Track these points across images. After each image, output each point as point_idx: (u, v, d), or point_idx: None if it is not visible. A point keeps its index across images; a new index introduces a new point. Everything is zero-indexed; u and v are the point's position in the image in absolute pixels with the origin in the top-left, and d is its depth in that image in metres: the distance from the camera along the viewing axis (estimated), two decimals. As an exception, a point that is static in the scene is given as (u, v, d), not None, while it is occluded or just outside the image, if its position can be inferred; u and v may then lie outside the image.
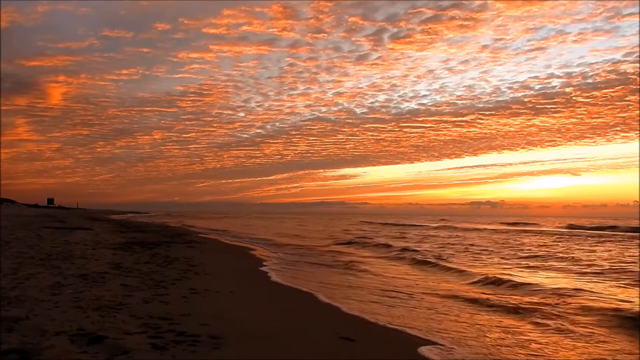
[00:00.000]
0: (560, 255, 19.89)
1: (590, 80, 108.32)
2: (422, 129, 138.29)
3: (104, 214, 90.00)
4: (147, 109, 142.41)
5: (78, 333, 5.00)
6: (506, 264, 16.82)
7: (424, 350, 5.96)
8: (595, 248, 24.06)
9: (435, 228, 49.67)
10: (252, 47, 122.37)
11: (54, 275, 8.68)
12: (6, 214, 46.01)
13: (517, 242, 28.03)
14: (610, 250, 22.56)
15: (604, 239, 31.26)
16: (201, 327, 5.68)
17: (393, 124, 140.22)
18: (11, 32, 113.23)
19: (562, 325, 7.64)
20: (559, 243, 27.58)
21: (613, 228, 46.63)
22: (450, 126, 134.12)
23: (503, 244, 27.01)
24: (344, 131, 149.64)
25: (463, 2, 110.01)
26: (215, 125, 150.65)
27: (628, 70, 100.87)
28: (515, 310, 8.66)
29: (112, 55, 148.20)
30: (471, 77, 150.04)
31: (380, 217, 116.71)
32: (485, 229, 47.97)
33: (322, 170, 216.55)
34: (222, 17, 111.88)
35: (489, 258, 18.69)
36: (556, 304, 9.25)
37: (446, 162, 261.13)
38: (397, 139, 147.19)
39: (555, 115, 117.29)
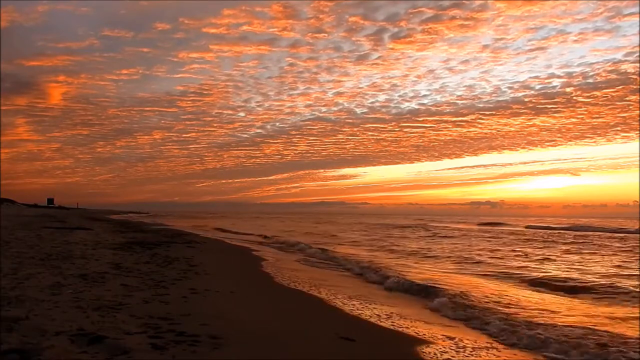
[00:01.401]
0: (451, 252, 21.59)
1: (590, 80, 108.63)
2: (422, 129, 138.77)
3: (104, 214, 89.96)
4: (147, 109, 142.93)
5: (78, 333, 4.99)
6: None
7: (423, 350, 5.96)
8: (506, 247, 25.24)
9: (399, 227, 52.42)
10: (252, 47, 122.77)
11: (54, 275, 8.67)
12: (6, 214, 45.99)
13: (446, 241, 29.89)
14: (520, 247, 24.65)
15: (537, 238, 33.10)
16: (201, 327, 5.68)
17: (393, 123, 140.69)
18: (11, 32, 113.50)
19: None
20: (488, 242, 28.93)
21: (568, 229, 49.52)
22: (450, 126, 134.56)
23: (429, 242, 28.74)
24: (344, 131, 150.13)
25: (463, 1, 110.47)
26: (215, 125, 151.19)
27: (629, 70, 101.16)
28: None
29: (112, 55, 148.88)
30: (471, 77, 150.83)
31: (371, 218, 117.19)
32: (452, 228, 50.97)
33: (322, 170, 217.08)
34: (223, 17, 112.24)
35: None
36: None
37: (446, 162, 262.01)
38: (398, 139, 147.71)
39: (555, 115, 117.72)
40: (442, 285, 11.06)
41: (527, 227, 55.96)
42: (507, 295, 10.24)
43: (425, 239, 31.67)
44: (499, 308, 8.79)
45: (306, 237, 31.74)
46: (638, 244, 26.86)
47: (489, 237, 33.66)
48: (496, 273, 14.24)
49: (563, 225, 56.35)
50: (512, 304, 9.29)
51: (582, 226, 52.84)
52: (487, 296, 9.96)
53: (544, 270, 15.13)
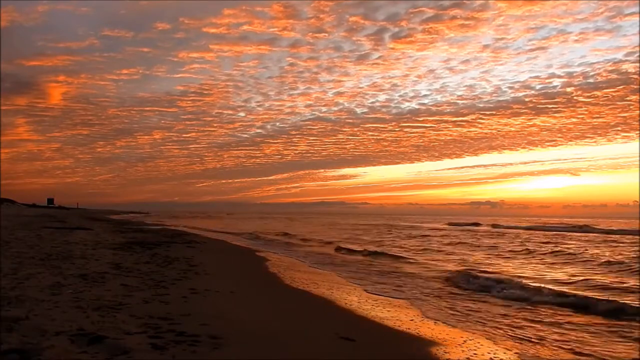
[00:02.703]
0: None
1: (591, 80, 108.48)
2: (422, 129, 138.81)
3: (104, 214, 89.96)
4: (147, 109, 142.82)
5: (78, 333, 5.00)
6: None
7: (423, 349, 5.96)
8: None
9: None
10: (252, 47, 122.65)
11: (54, 275, 8.67)
12: (6, 214, 46.00)
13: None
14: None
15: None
16: (201, 327, 5.68)
17: (393, 123, 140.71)
18: (11, 32, 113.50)
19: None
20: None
21: (533, 228, 51.61)
22: (450, 126, 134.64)
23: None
24: (345, 131, 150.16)
25: (464, 1, 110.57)
26: (215, 125, 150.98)
27: (629, 70, 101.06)
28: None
29: (112, 55, 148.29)
30: (472, 77, 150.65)
31: (363, 218, 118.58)
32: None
33: (322, 170, 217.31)
34: (223, 17, 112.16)
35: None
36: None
37: (446, 162, 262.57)
38: (398, 138, 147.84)
39: (556, 115, 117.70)
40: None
41: (493, 225, 58.37)
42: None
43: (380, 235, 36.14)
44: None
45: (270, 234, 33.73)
46: (585, 242, 28.07)
47: (426, 235, 36.22)
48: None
49: (532, 225, 57.82)
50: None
51: (551, 226, 54.83)
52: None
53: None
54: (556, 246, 24.33)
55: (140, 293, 7.66)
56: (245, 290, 9.40)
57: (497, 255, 20.39)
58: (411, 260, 17.26)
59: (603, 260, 17.14)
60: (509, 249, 23.22)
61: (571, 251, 21.17)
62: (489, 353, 6.01)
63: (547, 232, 41.91)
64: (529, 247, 23.33)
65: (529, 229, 49.73)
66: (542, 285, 11.32)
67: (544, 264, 16.91)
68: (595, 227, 49.19)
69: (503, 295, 10.38)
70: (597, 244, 26.96)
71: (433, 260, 17.72)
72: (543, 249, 22.71)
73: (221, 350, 4.89)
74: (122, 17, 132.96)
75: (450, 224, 65.51)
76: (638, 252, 21.06)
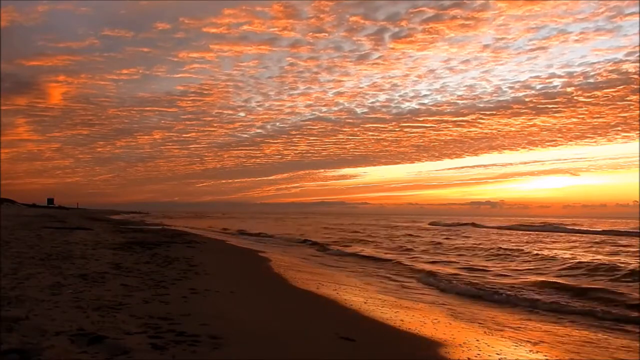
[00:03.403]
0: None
1: (591, 80, 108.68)
2: (422, 129, 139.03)
3: (104, 214, 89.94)
4: (147, 108, 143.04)
5: (78, 333, 4.99)
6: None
7: (423, 350, 5.96)
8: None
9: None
10: (252, 47, 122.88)
11: (54, 275, 8.67)
12: (6, 214, 46.00)
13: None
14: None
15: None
16: (201, 327, 5.67)
17: (394, 123, 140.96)
18: (11, 32, 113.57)
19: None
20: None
21: (511, 227, 55.21)
22: (451, 126, 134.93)
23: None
24: (345, 131, 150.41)
25: (464, 1, 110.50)
26: (215, 125, 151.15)
27: (630, 70, 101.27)
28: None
29: (112, 55, 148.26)
30: (472, 77, 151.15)
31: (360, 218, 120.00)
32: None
33: (322, 170, 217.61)
34: (223, 17, 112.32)
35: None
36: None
37: (447, 162, 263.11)
38: (398, 138, 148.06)
39: (556, 115, 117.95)
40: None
41: (473, 224, 61.32)
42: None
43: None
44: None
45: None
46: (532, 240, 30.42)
47: (409, 235, 37.92)
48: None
49: (512, 225, 59.87)
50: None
51: (527, 225, 56.95)
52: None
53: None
54: (529, 246, 25.41)
55: (140, 293, 7.65)
56: (245, 290, 9.39)
57: (472, 255, 21.23)
58: (393, 261, 17.89)
59: (566, 261, 17.74)
60: (481, 248, 24.31)
61: (537, 252, 21.86)
62: (497, 354, 6.02)
63: (517, 232, 44.44)
64: (497, 248, 24.30)
65: (509, 228, 52.16)
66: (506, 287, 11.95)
67: (506, 263, 18.08)
68: (567, 226, 52.01)
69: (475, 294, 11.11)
70: (564, 244, 27.71)
71: (410, 260, 18.30)
72: (506, 249, 23.49)
73: (221, 350, 4.89)
74: (122, 17, 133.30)
75: (431, 222, 67.64)
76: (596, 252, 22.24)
